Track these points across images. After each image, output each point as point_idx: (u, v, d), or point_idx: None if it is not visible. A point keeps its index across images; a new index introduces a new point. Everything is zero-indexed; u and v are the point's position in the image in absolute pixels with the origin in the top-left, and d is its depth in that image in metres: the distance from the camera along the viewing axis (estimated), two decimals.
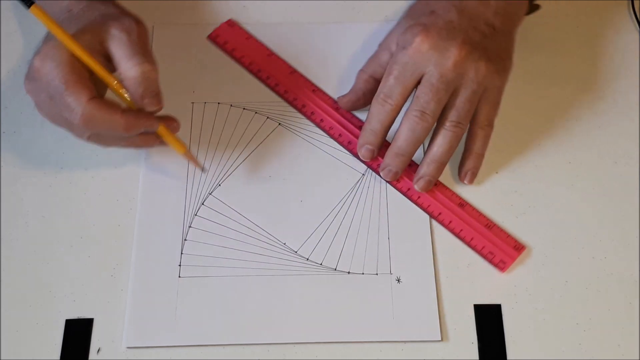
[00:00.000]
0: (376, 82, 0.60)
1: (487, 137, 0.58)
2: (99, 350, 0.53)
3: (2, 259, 0.56)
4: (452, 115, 0.56)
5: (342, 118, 0.62)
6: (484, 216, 0.58)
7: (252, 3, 0.68)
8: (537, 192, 0.59)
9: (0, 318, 0.54)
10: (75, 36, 0.51)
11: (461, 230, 0.58)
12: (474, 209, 0.58)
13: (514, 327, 0.54)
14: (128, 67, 0.51)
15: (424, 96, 0.55)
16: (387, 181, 0.59)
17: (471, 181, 0.59)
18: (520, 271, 0.56)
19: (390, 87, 0.56)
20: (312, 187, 0.59)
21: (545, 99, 0.64)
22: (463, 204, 0.58)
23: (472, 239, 0.57)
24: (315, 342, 0.53)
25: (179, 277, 0.55)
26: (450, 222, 0.58)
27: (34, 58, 0.52)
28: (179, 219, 0.58)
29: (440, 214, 0.58)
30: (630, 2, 0.68)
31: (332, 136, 0.61)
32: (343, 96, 0.62)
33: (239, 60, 0.64)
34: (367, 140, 0.58)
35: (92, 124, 0.51)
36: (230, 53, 0.64)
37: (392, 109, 0.57)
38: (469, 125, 0.58)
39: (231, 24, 0.65)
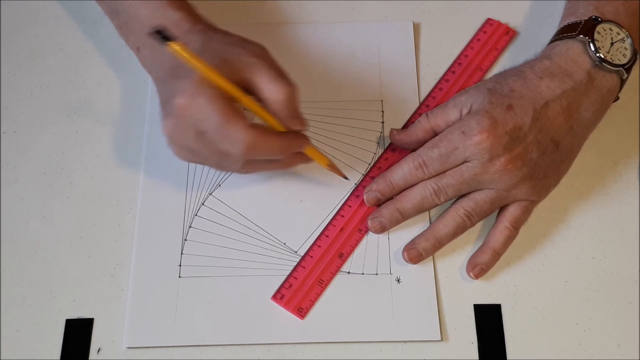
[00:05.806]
0: (435, 135, 0.58)
1: (509, 238, 0.56)
2: (99, 350, 0.53)
3: (2, 259, 0.56)
4: (469, 206, 0.55)
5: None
6: None
7: (252, 3, 0.68)
8: None
9: (0, 318, 0.54)
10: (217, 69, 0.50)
11: None
12: None
13: (514, 327, 0.54)
14: (274, 91, 0.51)
15: (450, 179, 0.55)
16: (372, 230, 0.57)
17: (478, 277, 0.56)
18: (520, 271, 0.56)
19: (432, 158, 0.55)
20: (312, 187, 0.59)
21: None
22: None
23: None
24: (315, 342, 0.53)
25: (179, 277, 0.55)
26: None
27: (178, 97, 0.49)
28: (179, 219, 0.58)
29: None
30: None
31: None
32: (398, 132, 0.60)
33: None
34: (380, 189, 0.57)
35: (254, 151, 0.51)
36: None
37: (422, 177, 0.56)
38: (493, 222, 0.57)
39: None
